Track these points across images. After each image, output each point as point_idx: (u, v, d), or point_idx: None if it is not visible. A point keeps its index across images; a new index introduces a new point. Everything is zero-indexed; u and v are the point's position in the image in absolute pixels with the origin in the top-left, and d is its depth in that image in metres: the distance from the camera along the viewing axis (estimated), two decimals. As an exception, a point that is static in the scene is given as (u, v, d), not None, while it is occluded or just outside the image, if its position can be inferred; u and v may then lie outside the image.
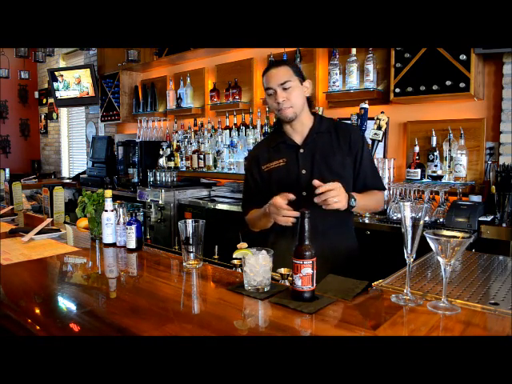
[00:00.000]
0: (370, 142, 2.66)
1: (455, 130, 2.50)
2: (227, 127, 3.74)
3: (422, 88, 2.49)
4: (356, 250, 1.76)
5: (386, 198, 2.63)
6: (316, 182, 1.45)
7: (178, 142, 4.11)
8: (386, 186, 2.63)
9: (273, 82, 1.61)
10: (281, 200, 1.48)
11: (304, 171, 1.65)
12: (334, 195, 1.43)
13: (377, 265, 1.98)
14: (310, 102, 1.73)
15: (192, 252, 1.43)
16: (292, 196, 1.47)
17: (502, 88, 2.42)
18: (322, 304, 1.10)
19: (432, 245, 1.05)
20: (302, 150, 1.67)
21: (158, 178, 3.96)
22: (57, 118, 6.70)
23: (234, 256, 1.32)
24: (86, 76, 5.35)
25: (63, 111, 6.63)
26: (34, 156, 7.17)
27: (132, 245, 1.68)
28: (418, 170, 2.53)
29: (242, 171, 3.39)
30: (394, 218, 2.37)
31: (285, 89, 1.60)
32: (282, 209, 1.47)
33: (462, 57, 2.34)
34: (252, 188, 1.79)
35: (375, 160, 2.66)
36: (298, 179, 1.64)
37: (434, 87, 2.45)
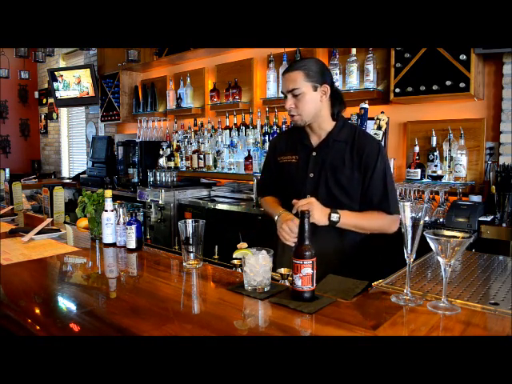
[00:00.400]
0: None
1: (455, 130, 2.50)
2: (227, 127, 3.74)
3: (422, 88, 2.49)
4: (349, 252, 1.70)
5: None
6: (293, 201, 1.54)
7: (178, 141, 4.11)
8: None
9: (283, 87, 1.62)
10: (294, 227, 1.51)
11: (312, 175, 1.65)
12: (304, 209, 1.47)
13: (377, 265, 1.97)
14: (336, 105, 1.66)
15: (192, 252, 1.43)
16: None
17: (502, 88, 2.42)
18: (322, 304, 1.10)
19: (432, 245, 1.05)
20: (314, 154, 1.66)
21: (158, 177, 3.96)
22: (57, 117, 6.70)
23: (234, 256, 1.32)
24: (86, 76, 5.34)
25: (63, 111, 6.63)
26: (34, 156, 7.17)
27: (132, 245, 1.68)
28: (418, 170, 2.53)
29: (242, 171, 3.39)
30: (394, 218, 2.37)
31: (294, 95, 1.58)
32: (291, 235, 1.54)
33: (462, 57, 2.34)
34: (268, 173, 1.87)
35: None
36: (304, 181, 1.66)
37: (434, 87, 2.44)
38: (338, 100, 1.67)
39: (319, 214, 1.51)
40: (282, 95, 1.67)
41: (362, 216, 1.61)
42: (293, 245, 1.53)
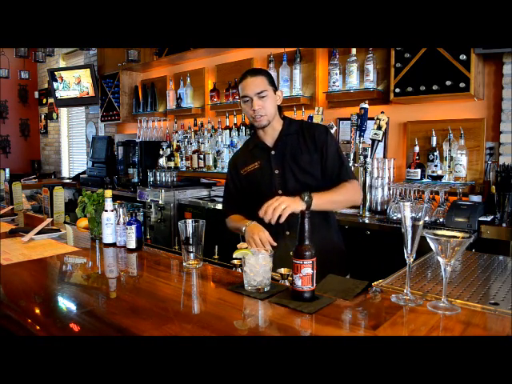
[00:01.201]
0: (369, 142, 2.66)
1: (455, 130, 2.50)
2: (227, 127, 3.74)
3: (422, 88, 2.49)
4: (333, 254, 1.75)
5: (386, 198, 2.63)
6: (260, 213, 1.53)
7: (178, 142, 4.11)
8: (386, 186, 2.64)
9: (249, 91, 1.70)
10: (266, 239, 1.59)
11: (277, 171, 1.76)
12: (276, 205, 1.49)
13: (377, 265, 1.97)
14: (280, 108, 1.83)
15: (192, 252, 1.43)
16: (274, 244, 1.59)
17: (501, 88, 2.41)
18: (322, 304, 1.10)
19: (432, 245, 1.05)
20: (273, 152, 1.79)
21: (158, 178, 3.96)
22: (57, 117, 6.70)
23: (234, 256, 1.32)
24: (85, 76, 5.34)
25: (63, 111, 6.62)
26: (34, 156, 7.17)
27: (132, 245, 1.68)
28: (418, 170, 2.53)
29: (242, 171, 3.39)
30: (394, 218, 2.37)
31: (261, 97, 1.70)
32: (263, 244, 1.57)
33: (462, 57, 2.34)
34: (232, 191, 1.94)
35: (375, 160, 2.67)
36: (271, 179, 1.76)
37: (434, 87, 2.44)
38: (279, 106, 1.82)
39: (292, 201, 1.53)
40: (245, 99, 1.71)
41: (329, 191, 1.67)
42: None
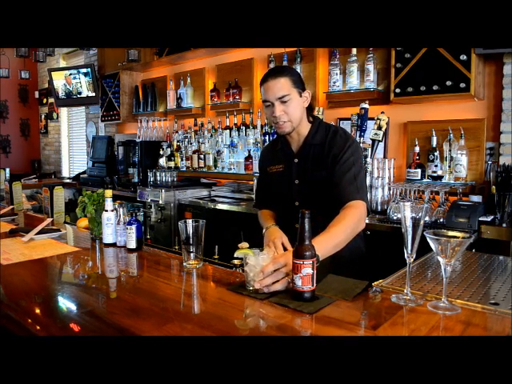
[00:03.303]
0: (369, 142, 2.66)
1: (455, 130, 2.50)
2: (227, 127, 3.74)
3: (423, 88, 2.49)
4: (344, 255, 1.57)
5: (387, 198, 2.62)
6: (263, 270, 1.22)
7: (178, 141, 4.11)
8: (386, 186, 2.64)
9: (270, 95, 1.56)
10: (280, 248, 1.49)
11: (297, 181, 1.69)
12: (278, 268, 1.20)
13: (377, 265, 1.97)
14: (310, 108, 1.69)
15: (192, 252, 1.43)
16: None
17: (502, 88, 2.41)
18: (322, 304, 1.10)
19: (432, 245, 1.05)
20: (296, 160, 1.70)
21: (158, 177, 3.96)
22: (57, 117, 6.70)
23: (235, 255, 1.32)
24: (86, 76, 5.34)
25: (63, 111, 6.62)
26: (34, 156, 7.17)
27: (132, 245, 1.68)
28: (418, 170, 2.53)
29: (242, 171, 3.39)
30: (394, 218, 2.37)
31: (283, 102, 1.56)
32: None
33: (463, 57, 2.34)
34: (261, 185, 1.92)
35: (375, 160, 2.66)
36: (291, 188, 1.70)
37: (435, 87, 2.44)
38: (309, 105, 1.69)
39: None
40: (266, 103, 1.59)
41: (330, 232, 1.41)
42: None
